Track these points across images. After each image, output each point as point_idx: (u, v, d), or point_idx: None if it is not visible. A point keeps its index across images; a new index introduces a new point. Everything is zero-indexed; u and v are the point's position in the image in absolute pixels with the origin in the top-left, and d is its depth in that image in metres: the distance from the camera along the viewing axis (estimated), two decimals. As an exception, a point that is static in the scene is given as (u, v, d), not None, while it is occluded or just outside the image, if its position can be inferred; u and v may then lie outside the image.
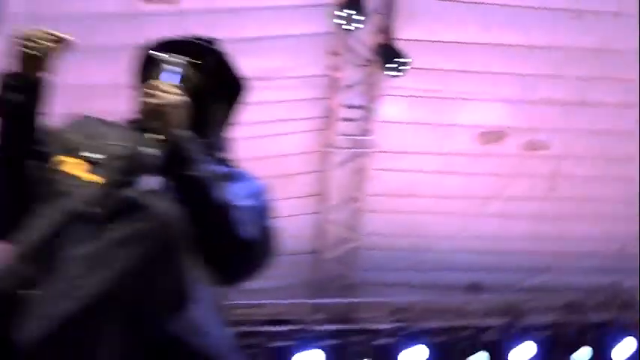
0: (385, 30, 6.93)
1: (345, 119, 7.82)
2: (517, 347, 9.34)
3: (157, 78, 2.04)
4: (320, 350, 9.04)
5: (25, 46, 1.90)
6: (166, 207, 1.73)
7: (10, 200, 2.00)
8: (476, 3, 6.87)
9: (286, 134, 7.55)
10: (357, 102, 7.72)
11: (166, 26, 6.23)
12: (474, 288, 9.68)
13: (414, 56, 6.86)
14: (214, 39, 2.38)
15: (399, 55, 6.84)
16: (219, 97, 2.29)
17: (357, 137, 8.05)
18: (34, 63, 1.92)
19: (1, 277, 1.83)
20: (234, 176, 2.13)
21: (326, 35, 7.14)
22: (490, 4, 6.86)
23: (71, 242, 1.77)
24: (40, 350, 1.62)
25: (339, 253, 9.19)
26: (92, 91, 6.16)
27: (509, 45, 7.07)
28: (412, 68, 6.89)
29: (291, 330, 9.10)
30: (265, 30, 6.81)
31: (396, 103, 7.73)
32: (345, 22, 6.55)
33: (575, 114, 7.68)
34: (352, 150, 8.17)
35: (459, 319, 9.69)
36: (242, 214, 1.93)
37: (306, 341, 9.07)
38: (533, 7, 6.90)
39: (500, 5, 6.90)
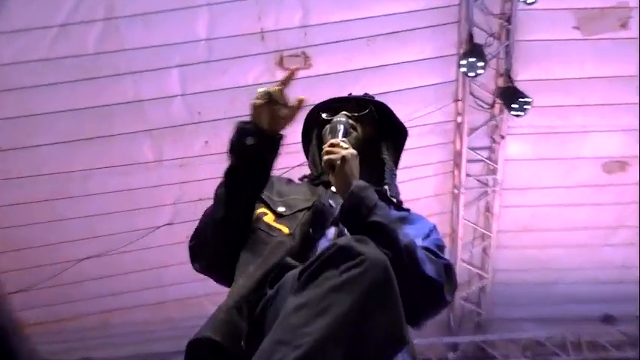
0: (505, 73, 7.25)
1: (472, 160, 8.15)
2: (654, 378, 9.21)
3: (328, 136, 2.34)
4: (458, 387, 9.19)
5: (269, 103, 2.16)
6: (376, 251, 1.69)
7: (238, 239, 2.19)
8: (591, 40, 7.09)
9: (418, 179, 7.80)
10: (482, 144, 8.06)
11: (301, 89, 6.83)
12: (607, 320, 9.64)
13: (535, 95, 7.09)
14: (367, 94, 2.67)
15: (520, 96, 7.06)
16: (386, 144, 2.57)
17: (483, 177, 8.40)
18: (274, 119, 2.17)
19: (215, 327, 1.91)
20: (409, 218, 2.36)
21: (451, 84, 7.55)
22: (604, 38, 7.07)
23: (284, 293, 1.82)
24: None
25: (470, 291, 9.45)
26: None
27: (627, 76, 7.20)
28: (533, 107, 7.10)
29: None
30: (395, 84, 7.23)
31: (520, 142, 7.99)
32: (467, 70, 6.85)
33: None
34: (480, 189, 8.50)
35: (593, 352, 9.65)
36: (424, 254, 2.09)
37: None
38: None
39: (613, 39, 7.09)
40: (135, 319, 8.46)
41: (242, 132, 2.19)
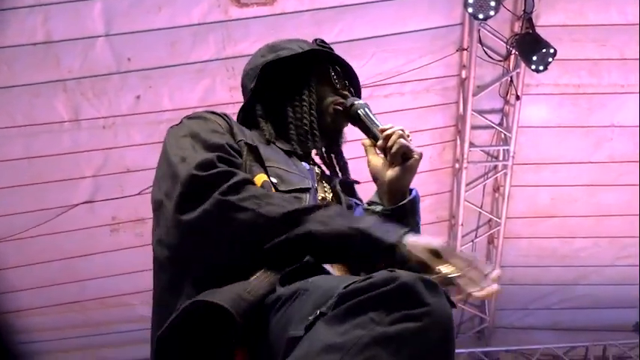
0: (524, 16, 7.09)
1: (478, 127, 8.06)
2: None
3: (370, 116, 2.49)
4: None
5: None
6: (443, 305, 1.63)
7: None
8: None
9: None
10: (491, 106, 7.97)
11: (265, 30, 6.67)
12: (640, 329, 9.73)
13: (560, 46, 6.98)
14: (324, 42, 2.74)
15: (542, 46, 6.93)
16: None
17: (492, 148, 8.30)
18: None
19: (234, 303, 1.87)
20: None
21: (454, 28, 7.41)
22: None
23: (304, 303, 1.78)
24: None
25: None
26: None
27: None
28: (558, 60, 7.00)
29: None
30: (381, 27, 7.10)
31: (540, 105, 7.91)
32: (475, 10, 6.69)
33: None
34: (487, 164, 8.42)
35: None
36: None
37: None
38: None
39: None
40: (43, 325, 8.32)
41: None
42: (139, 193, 7.48)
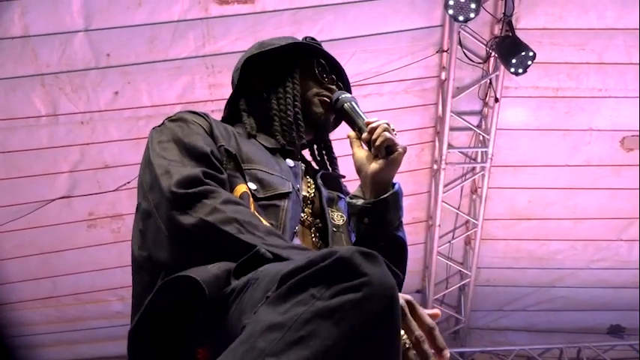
0: (504, 19, 7.07)
1: (457, 129, 8.06)
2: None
3: (356, 110, 2.50)
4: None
5: None
6: (384, 274, 1.58)
7: None
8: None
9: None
10: (470, 108, 7.97)
11: (246, 28, 6.64)
12: (615, 331, 9.76)
13: (540, 49, 6.98)
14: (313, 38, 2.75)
15: (521, 49, 6.91)
16: None
17: (470, 150, 8.31)
18: None
19: (204, 278, 1.90)
20: None
21: (434, 29, 7.38)
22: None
23: (255, 291, 1.80)
24: None
25: (448, 292, 9.44)
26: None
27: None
28: (537, 63, 7.00)
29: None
30: (362, 27, 7.10)
31: (519, 107, 7.91)
32: (456, 12, 6.67)
33: None
34: (465, 165, 8.43)
35: (595, 370, 9.72)
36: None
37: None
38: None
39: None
40: (18, 320, 8.24)
41: None
42: (116, 189, 7.45)
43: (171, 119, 2.37)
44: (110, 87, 7.06)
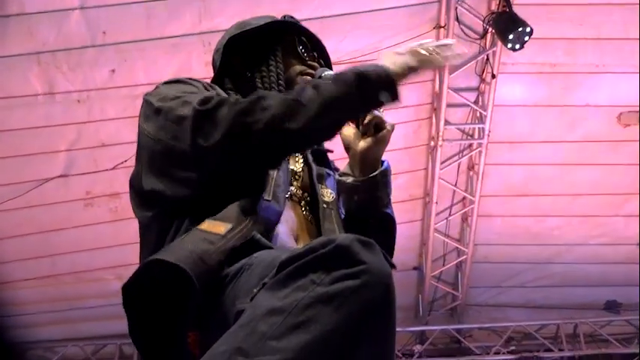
0: (501, -6, 7.05)
1: (454, 105, 8.04)
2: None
3: None
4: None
5: None
6: (381, 263, 1.67)
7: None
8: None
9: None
10: (467, 84, 7.96)
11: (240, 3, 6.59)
12: (612, 307, 9.76)
13: (537, 24, 6.94)
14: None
15: (518, 24, 6.89)
16: None
17: (467, 126, 8.30)
18: None
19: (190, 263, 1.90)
20: None
21: (431, 5, 7.36)
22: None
23: (250, 276, 1.84)
24: None
25: (445, 269, 9.44)
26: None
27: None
28: (534, 39, 6.97)
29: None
30: (358, 4, 7.00)
31: (516, 83, 7.91)
32: None
33: None
34: (462, 142, 8.42)
35: (592, 345, 9.75)
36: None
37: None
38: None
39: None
40: (17, 299, 8.25)
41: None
42: (113, 168, 7.42)
43: (166, 82, 2.36)
44: (106, 65, 7.03)
